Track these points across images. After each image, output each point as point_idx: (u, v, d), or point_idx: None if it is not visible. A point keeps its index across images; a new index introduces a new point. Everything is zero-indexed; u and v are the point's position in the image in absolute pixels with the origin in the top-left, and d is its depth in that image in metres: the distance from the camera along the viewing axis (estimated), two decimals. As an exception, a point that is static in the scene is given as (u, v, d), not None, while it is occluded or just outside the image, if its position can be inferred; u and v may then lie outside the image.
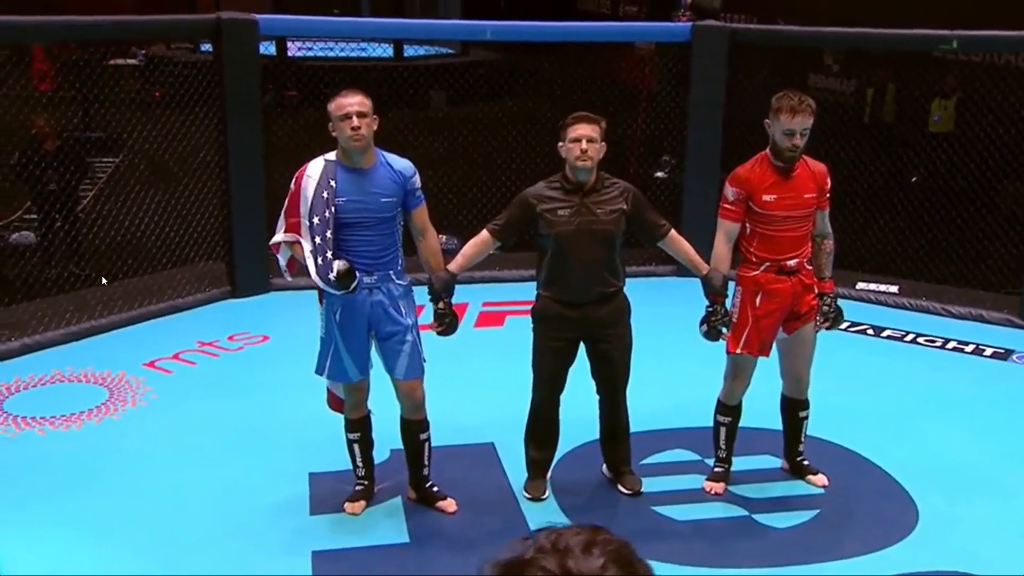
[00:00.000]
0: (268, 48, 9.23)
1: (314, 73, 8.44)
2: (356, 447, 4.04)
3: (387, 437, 4.12)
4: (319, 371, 3.91)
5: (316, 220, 3.67)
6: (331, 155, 3.76)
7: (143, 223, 6.67)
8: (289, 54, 12.30)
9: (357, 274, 3.69)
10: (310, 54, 11.27)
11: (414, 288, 3.97)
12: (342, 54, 8.11)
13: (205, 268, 6.70)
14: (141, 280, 6.56)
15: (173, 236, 6.68)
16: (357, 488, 4.08)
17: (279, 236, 3.81)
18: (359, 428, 4.01)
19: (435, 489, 4.08)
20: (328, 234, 3.67)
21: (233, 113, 6.31)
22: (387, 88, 9.07)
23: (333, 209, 3.68)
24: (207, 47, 7.40)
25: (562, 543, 1.01)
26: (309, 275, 3.74)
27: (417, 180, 3.84)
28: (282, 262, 3.89)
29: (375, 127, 3.73)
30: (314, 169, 3.73)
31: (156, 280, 6.54)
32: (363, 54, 9.33)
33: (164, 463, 4.43)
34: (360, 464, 4.06)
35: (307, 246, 3.70)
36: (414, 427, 3.99)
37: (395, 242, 3.82)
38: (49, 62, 9.95)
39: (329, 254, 3.66)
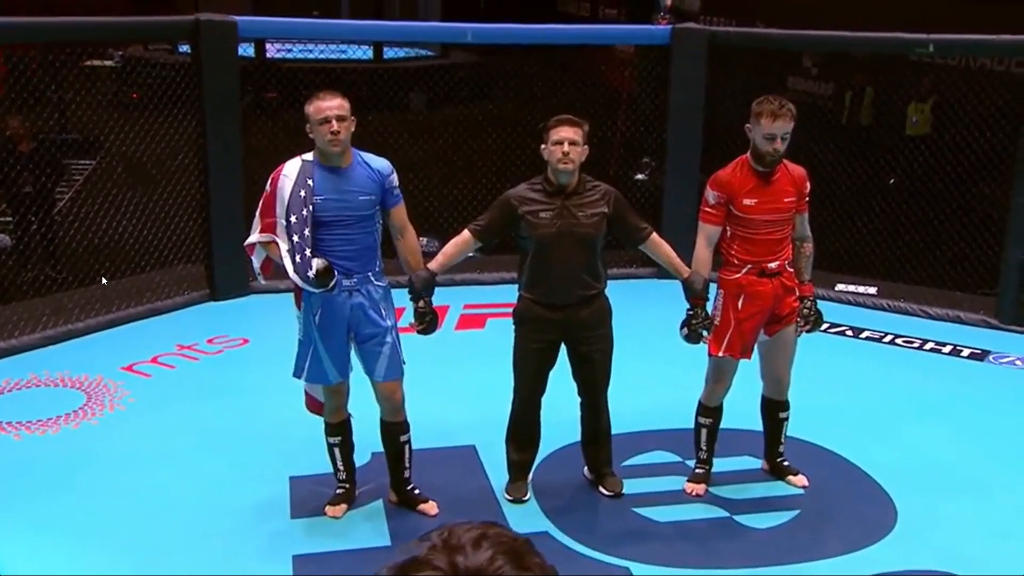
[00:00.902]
0: (247, 50, 9.18)
1: (294, 75, 8.42)
2: (336, 451, 4.02)
3: (368, 440, 4.10)
4: (297, 374, 3.89)
5: (293, 219, 3.66)
6: (308, 155, 3.76)
7: (121, 226, 6.62)
8: (268, 56, 12.25)
9: (335, 272, 3.69)
10: (289, 56, 11.22)
11: (394, 290, 3.97)
12: (322, 56, 8.09)
13: (184, 271, 6.66)
14: (119, 283, 6.50)
15: (151, 239, 6.64)
16: (338, 492, 4.07)
17: (254, 237, 3.78)
18: (339, 432, 4.00)
19: (416, 491, 4.07)
20: (306, 232, 3.66)
21: (212, 115, 6.28)
22: (367, 90, 9.05)
23: (311, 207, 3.67)
24: (185, 48, 7.36)
25: (453, 540, 1.02)
26: (286, 275, 3.72)
27: (395, 179, 3.83)
28: (256, 264, 3.86)
29: (352, 129, 3.73)
30: (291, 169, 3.72)
31: (134, 283, 6.49)
32: (343, 56, 9.29)
33: (143, 468, 4.40)
34: (341, 467, 4.05)
35: (284, 245, 3.68)
36: (394, 429, 3.99)
37: (374, 242, 3.81)
38: (3, 65, 9.70)
39: (308, 252, 3.65)
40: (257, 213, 3.79)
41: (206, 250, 6.54)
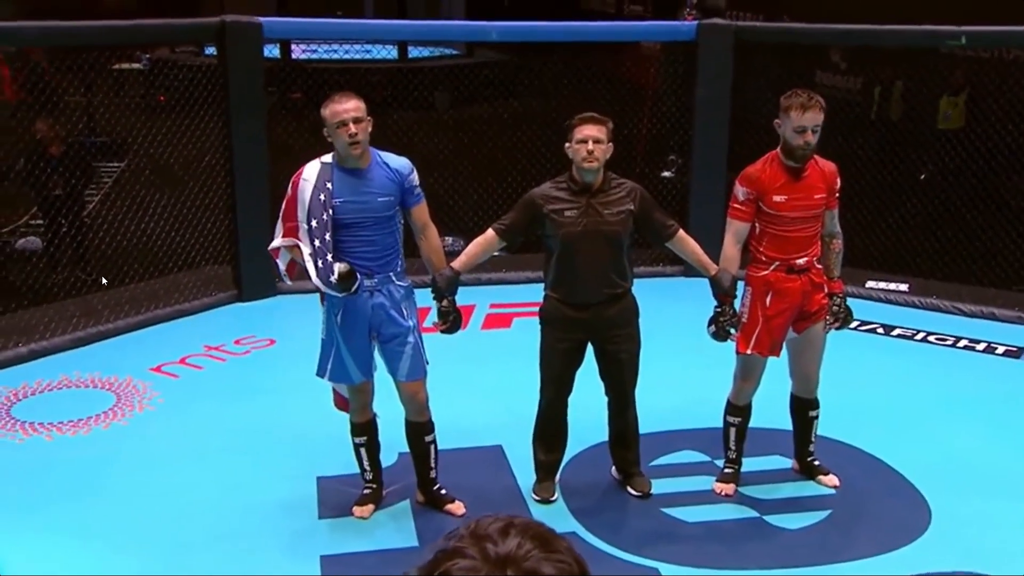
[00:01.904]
0: (272, 51, 9.23)
1: (319, 75, 8.45)
2: (363, 451, 4.03)
3: (394, 440, 4.11)
4: (320, 373, 3.90)
5: (314, 223, 3.67)
6: (327, 157, 3.76)
7: (149, 227, 6.69)
8: (293, 56, 12.32)
9: (358, 276, 3.69)
10: (314, 56, 11.27)
11: (417, 290, 3.97)
12: (346, 56, 8.11)
13: (211, 272, 6.71)
14: (147, 285, 6.57)
15: (179, 240, 6.70)
16: (365, 492, 4.07)
17: (277, 241, 3.80)
18: (365, 431, 4.01)
19: (443, 492, 4.07)
20: (327, 237, 3.66)
21: (238, 116, 6.32)
22: (392, 90, 9.08)
23: (331, 211, 3.67)
24: (211, 50, 7.41)
25: (480, 530, 1.06)
26: (309, 278, 3.74)
27: (415, 178, 3.83)
28: (281, 266, 3.89)
29: (370, 129, 3.72)
30: (310, 172, 3.72)
31: (162, 284, 6.55)
32: (367, 56, 9.32)
33: (171, 468, 4.44)
34: (367, 467, 4.06)
35: (306, 249, 3.69)
36: (419, 429, 3.99)
37: (395, 242, 3.81)
38: (6, 67, 9.71)
39: (329, 257, 3.66)
40: (280, 216, 3.81)
41: (233, 251, 6.58)
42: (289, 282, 4.14)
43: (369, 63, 9.63)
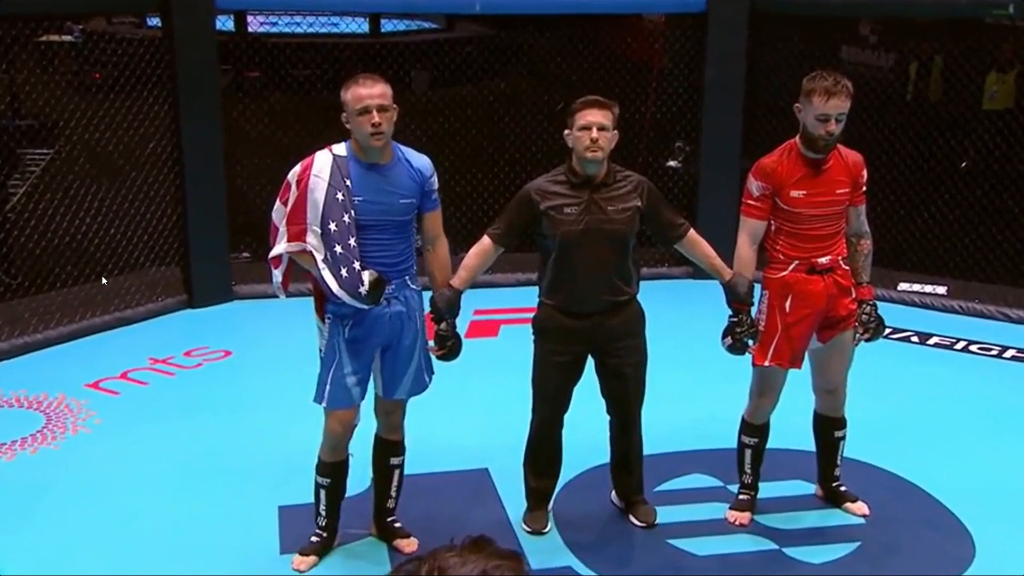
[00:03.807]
0: (226, 23, 9.24)
1: (279, 52, 8.48)
2: (323, 493, 3.96)
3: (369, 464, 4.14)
4: (318, 399, 3.82)
5: (333, 226, 3.63)
6: (340, 148, 3.72)
7: (84, 224, 6.69)
8: (250, 30, 12.32)
9: (386, 283, 3.67)
10: (274, 30, 11.28)
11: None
12: (311, 30, 8.14)
13: (157, 274, 6.73)
14: (83, 289, 6.58)
15: (120, 238, 6.70)
16: (313, 540, 3.98)
17: (281, 246, 3.72)
18: (332, 474, 3.93)
19: (397, 524, 4.08)
20: (351, 242, 3.63)
21: (187, 97, 6.35)
22: (362, 68, 9.09)
23: (352, 212, 3.65)
24: (155, 21, 7.42)
25: (438, 562, 1.08)
26: (328, 290, 3.65)
27: (435, 181, 3.83)
28: (278, 278, 3.82)
29: (395, 119, 3.69)
30: (322, 166, 3.67)
31: (100, 289, 6.56)
32: (335, 30, 9.34)
33: (110, 498, 4.45)
34: (323, 512, 3.98)
35: (319, 256, 3.65)
36: (389, 448, 4.00)
37: (411, 247, 3.81)
38: None
39: (356, 265, 3.62)
40: (280, 218, 3.72)
41: (182, 251, 6.61)
42: (283, 296, 4.02)
43: (337, 38, 9.65)
